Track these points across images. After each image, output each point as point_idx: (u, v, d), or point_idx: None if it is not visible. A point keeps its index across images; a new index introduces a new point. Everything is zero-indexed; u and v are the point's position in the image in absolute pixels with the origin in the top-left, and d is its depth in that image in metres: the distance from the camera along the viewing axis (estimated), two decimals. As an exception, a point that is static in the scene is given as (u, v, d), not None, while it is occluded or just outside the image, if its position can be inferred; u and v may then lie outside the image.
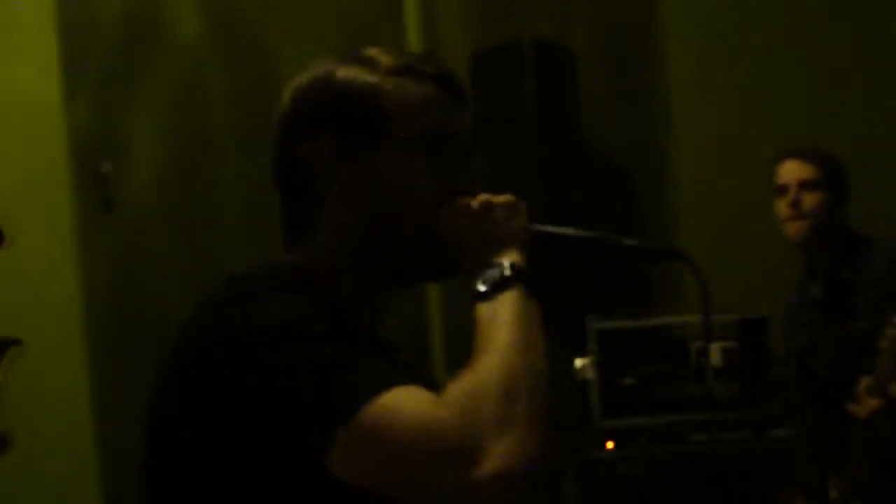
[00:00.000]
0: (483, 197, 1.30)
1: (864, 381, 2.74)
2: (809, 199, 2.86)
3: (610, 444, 3.46)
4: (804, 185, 2.87)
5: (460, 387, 1.11)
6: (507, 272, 1.23)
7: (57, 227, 3.65)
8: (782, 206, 2.89)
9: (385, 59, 1.32)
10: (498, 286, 1.21)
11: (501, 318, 1.18)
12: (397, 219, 1.27)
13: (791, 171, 2.89)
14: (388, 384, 1.10)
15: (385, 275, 1.31)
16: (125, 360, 3.72)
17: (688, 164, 4.14)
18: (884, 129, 4.26)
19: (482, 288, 1.22)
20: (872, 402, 2.71)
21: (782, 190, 2.89)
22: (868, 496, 2.79)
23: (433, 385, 1.16)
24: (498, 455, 1.05)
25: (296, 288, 1.23)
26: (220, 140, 3.77)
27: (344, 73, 1.30)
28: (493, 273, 1.23)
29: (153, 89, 3.75)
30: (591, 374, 3.51)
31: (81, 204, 3.70)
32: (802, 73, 4.19)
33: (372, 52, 1.33)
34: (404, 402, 1.08)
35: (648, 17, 4.23)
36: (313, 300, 1.21)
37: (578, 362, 3.51)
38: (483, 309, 1.20)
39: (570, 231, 1.39)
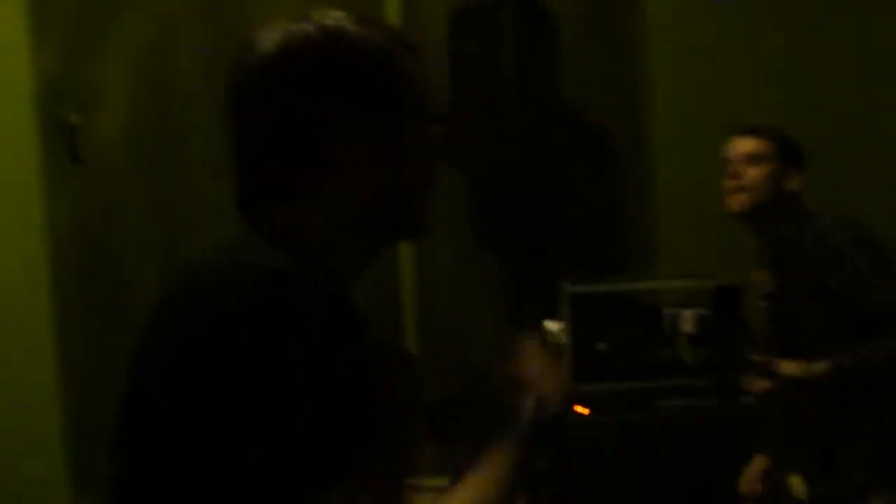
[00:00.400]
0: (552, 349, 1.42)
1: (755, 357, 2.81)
2: (751, 172, 2.84)
3: (581, 409, 3.45)
4: (747, 159, 2.86)
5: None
6: (535, 434, 1.34)
7: (22, 178, 3.58)
8: (725, 180, 2.89)
9: (380, 25, 1.29)
10: (524, 441, 1.33)
11: (503, 479, 1.30)
12: (409, 186, 1.27)
13: (736, 145, 2.89)
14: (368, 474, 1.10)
15: (378, 239, 1.30)
16: (90, 311, 3.67)
17: (666, 126, 4.12)
18: (860, 99, 4.26)
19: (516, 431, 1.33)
20: (761, 382, 2.75)
21: (726, 164, 2.90)
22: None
23: (406, 359, 1.14)
24: None
25: (303, 262, 1.17)
26: (191, 92, 3.69)
27: (358, 32, 1.25)
28: (527, 424, 1.34)
29: (123, 38, 3.67)
30: (563, 339, 3.49)
31: (48, 155, 3.62)
32: (781, 40, 4.17)
33: (359, 16, 1.28)
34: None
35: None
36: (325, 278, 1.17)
37: (550, 326, 3.48)
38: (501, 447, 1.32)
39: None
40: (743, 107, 3.87)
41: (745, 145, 2.89)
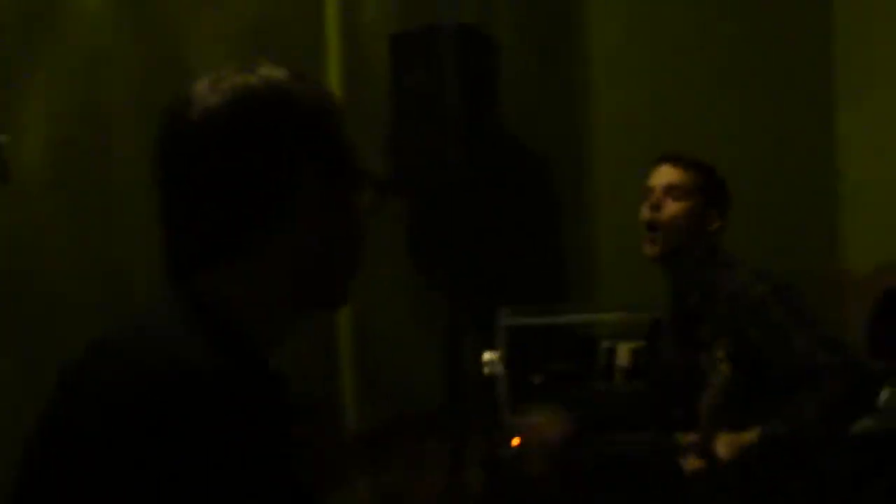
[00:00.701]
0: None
1: (687, 437, 2.53)
2: (671, 208, 2.62)
3: (516, 441, 3.41)
4: (668, 191, 2.64)
5: None
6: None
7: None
8: (644, 209, 2.66)
9: (312, 81, 1.25)
10: None
11: None
12: (343, 253, 1.24)
13: (659, 174, 2.67)
14: None
15: (306, 307, 1.25)
16: (14, 330, 3.56)
17: (606, 154, 4.13)
18: (794, 124, 4.33)
19: None
20: (694, 462, 2.52)
21: (647, 192, 2.67)
22: None
23: (312, 411, 1.11)
24: None
25: (221, 334, 1.13)
26: (119, 114, 3.61)
27: (299, 88, 1.21)
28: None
29: (52, 58, 3.58)
30: (499, 370, 3.45)
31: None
32: (719, 69, 4.22)
33: (293, 73, 1.24)
34: None
35: (571, 7, 4.21)
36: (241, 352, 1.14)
37: (487, 357, 3.45)
38: None
39: None
40: (685, 136, 3.90)
41: (667, 175, 2.67)
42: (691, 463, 2.55)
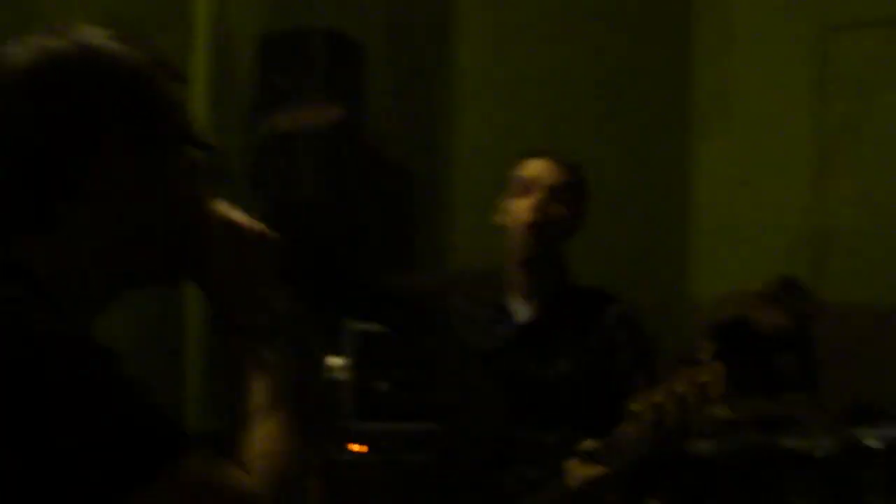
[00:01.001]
0: (247, 219, 1.25)
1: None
2: (554, 209, 2.40)
3: (359, 448, 3.42)
4: (551, 192, 2.40)
5: (265, 471, 1.14)
6: (278, 321, 1.23)
7: None
8: (522, 207, 2.39)
9: (141, 44, 1.22)
10: (267, 334, 1.22)
11: (282, 385, 1.21)
12: (162, 220, 1.20)
13: (544, 171, 2.41)
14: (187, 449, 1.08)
15: (126, 278, 1.22)
16: None
17: (468, 166, 4.17)
18: (650, 152, 4.45)
19: (251, 328, 1.22)
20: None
21: (530, 188, 2.40)
22: None
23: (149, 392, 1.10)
24: None
25: (37, 300, 1.11)
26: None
27: (117, 51, 1.18)
28: (262, 316, 1.23)
29: None
30: (345, 376, 3.46)
31: None
32: (590, 81, 4.31)
33: (120, 34, 1.21)
34: (218, 469, 1.10)
35: (442, 17, 4.24)
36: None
37: (333, 362, 3.45)
38: (252, 354, 1.21)
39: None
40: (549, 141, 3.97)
41: (550, 173, 2.42)
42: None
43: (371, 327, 3.53)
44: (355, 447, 3.40)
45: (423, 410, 3.60)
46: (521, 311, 2.50)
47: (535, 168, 2.46)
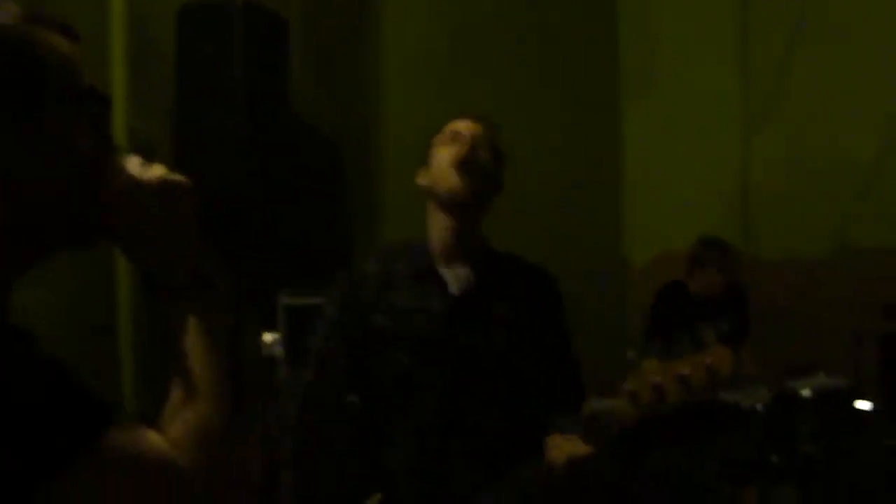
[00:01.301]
0: (160, 170, 1.20)
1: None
2: (485, 156, 2.32)
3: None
4: (480, 142, 2.33)
5: (188, 433, 1.12)
6: (197, 278, 1.20)
7: None
8: (451, 153, 2.33)
9: (15, 6, 1.16)
10: (194, 292, 1.19)
11: (206, 343, 1.18)
12: (59, 184, 1.15)
13: (468, 125, 2.37)
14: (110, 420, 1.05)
15: (35, 246, 1.17)
16: None
17: (394, 137, 4.14)
18: (581, 122, 4.45)
19: (176, 286, 1.19)
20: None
21: (456, 138, 2.36)
22: None
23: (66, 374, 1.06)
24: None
25: None
26: None
27: None
28: (186, 271, 1.19)
29: None
30: (279, 351, 3.41)
31: None
32: (511, 58, 4.29)
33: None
34: (141, 443, 1.08)
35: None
36: None
37: (267, 338, 3.40)
38: (176, 313, 1.18)
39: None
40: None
41: (477, 128, 2.37)
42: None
43: (302, 300, 3.48)
44: (292, 422, 3.35)
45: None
46: (454, 280, 2.43)
47: (460, 123, 2.39)
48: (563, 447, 2.18)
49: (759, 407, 3.43)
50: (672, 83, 4.83)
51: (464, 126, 2.38)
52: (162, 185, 1.20)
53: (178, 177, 1.21)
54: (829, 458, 3.49)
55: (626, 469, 2.45)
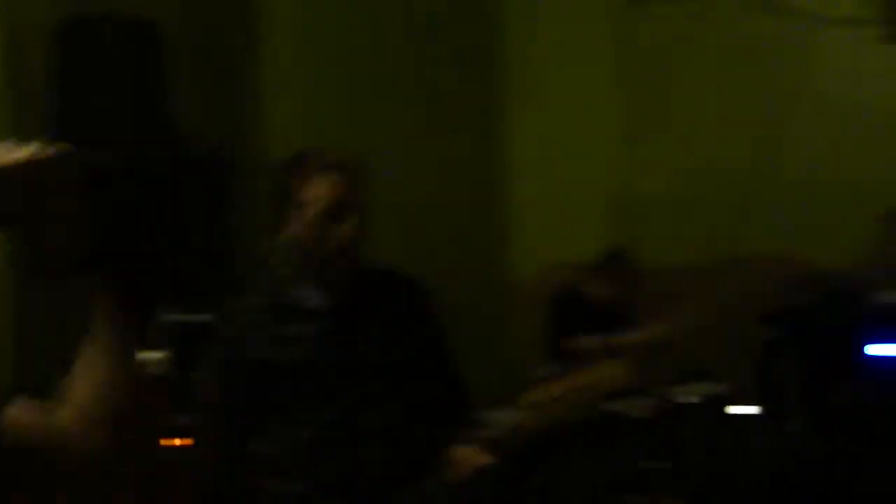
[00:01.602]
0: (36, 147, 1.16)
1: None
2: (344, 230, 2.23)
3: (180, 441, 3.32)
4: (330, 210, 2.23)
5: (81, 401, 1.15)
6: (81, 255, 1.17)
7: None
8: (299, 228, 2.26)
9: None
10: (78, 268, 1.17)
11: (104, 326, 1.19)
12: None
13: (318, 189, 2.25)
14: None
15: None
16: None
17: (274, 152, 4.11)
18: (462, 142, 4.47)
19: (58, 261, 1.17)
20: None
21: (304, 209, 2.25)
22: None
23: None
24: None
25: None
26: None
27: None
28: (71, 247, 1.17)
29: None
30: (164, 369, 3.35)
31: None
32: (400, 63, 4.30)
33: None
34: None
35: (247, 17, 4.18)
36: None
37: (152, 356, 3.34)
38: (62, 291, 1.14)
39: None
40: (357, 146, 3.94)
41: (328, 190, 2.22)
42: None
43: (187, 317, 3.43)
44: (177, 441, 3.30)
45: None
46: (313, 301, 2.36)
47: (311, 190, 2.26)
48: (468, 458, 2.19)
49: (645, 415, 3.49)
50: (556, 96, 4.90)
51: (325, 189, 2.22)
52: (34, 162, 1.16)
53: (50, 149, 1.17)
54: (711, 462, 3.57)
55: (522, 481, 2.47)
